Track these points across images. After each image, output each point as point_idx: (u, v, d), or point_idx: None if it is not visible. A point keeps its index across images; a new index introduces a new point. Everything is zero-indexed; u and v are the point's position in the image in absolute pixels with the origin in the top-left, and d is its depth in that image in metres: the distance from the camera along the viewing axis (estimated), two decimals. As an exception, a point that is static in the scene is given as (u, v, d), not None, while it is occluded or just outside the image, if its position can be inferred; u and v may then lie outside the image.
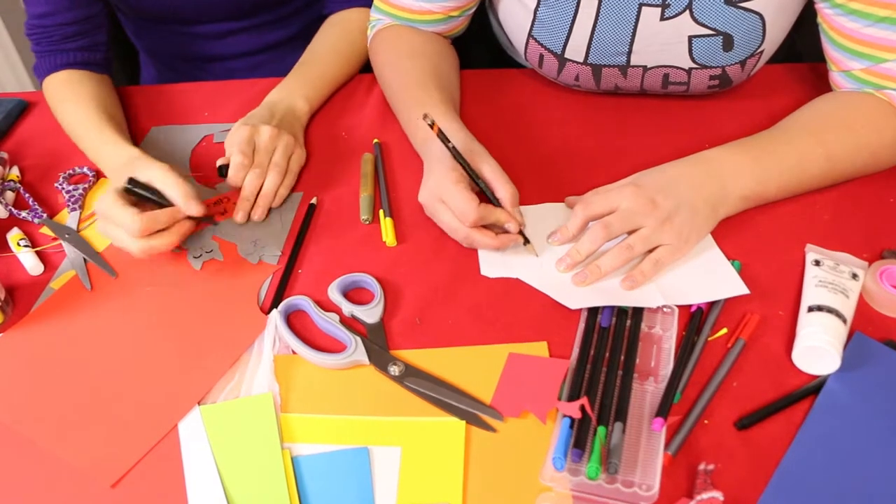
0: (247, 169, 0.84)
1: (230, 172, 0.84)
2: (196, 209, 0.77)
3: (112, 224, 0.76)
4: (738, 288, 0.73)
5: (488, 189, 0.77)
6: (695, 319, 0.70)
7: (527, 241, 0.77)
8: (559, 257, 0.76)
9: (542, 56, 0.93)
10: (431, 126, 0.75)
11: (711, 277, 0.74)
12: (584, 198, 0.79)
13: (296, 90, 0.96)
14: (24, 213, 0.87)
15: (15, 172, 0.93)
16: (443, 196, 0.76)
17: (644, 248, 0.73)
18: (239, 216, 0.83)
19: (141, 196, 0.78)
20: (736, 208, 0.79)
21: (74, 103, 0.93)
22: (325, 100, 1.00)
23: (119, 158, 0.84)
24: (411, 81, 0.90)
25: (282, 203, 0.86)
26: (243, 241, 0.82)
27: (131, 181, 0.78)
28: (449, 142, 0.76)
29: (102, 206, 0.77)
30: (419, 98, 0.87)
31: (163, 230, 0.77)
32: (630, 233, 0.74)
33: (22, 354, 0.73)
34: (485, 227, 0.76)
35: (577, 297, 0.72)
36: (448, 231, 0.77)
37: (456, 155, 0.76)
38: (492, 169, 0.77)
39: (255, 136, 0.86)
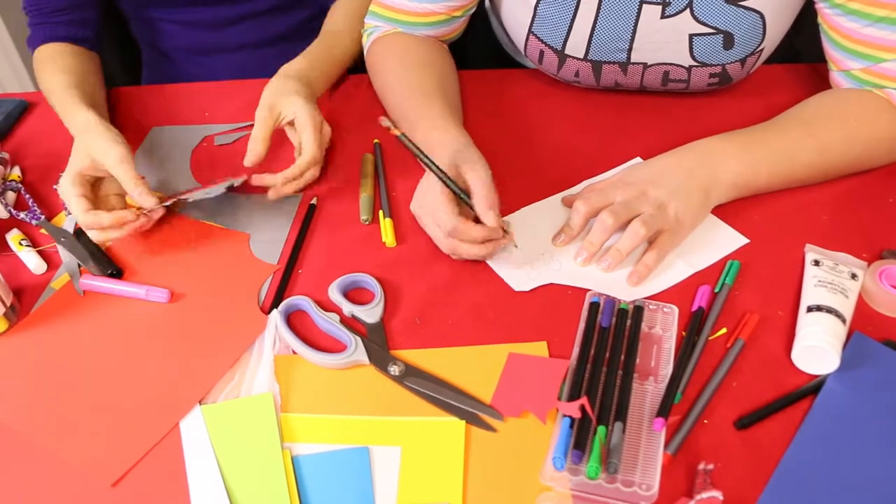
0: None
1: (309, 146, 0.84)
2: (149, 201, 0.79)
3: (69, 204, 0.80)
4: (738, 241, 0.78)
5: (465, 194, 0.75)
6: (695, 319, 0.70)
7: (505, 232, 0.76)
8: (576, 252, 0.77)
9: (542, 52, 0.93)
10: (388, 129, 0.74)
11: (713, 238, 0.79)
12: (581, 194, 0.79)
13: (316, 67, 0.95)
14: (22, 215, 0.87)
15: (16, 173, 0.93)
16: (429, 206, 0.76)
17: (654, 226, 0.74)
18: (290, 188, 0.84)
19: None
20: (727, 195, 0.80)
21: (52, 73, 0.95)
22: (336, 82, 1.01)
23: (78, 123, 0.86)
24: (416, 92, 0.89)
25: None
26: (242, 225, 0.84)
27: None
28: (410, 142, 0.75)
29: (61, 186, 0.80)
30: (427, 111, 0.86)
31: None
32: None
33: (22, 355, 0.73)
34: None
35: (626, 290, 0.74)
36: (435, 241, 0.77)
37: (424, 161, 0.74)
38: (476, 176, 0.75)
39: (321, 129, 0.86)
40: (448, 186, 0.75)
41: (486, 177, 0.75)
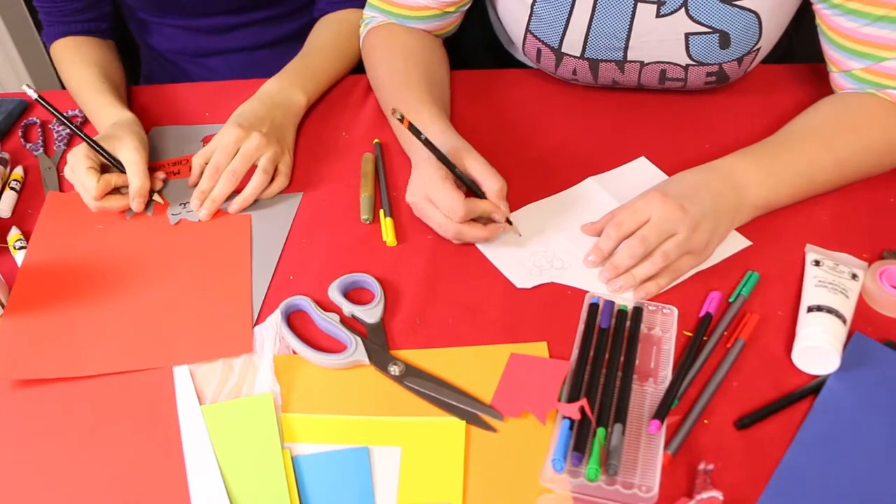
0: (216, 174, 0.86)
1: (198, 174, 0.87)
2: (137, 206, 0.85)
3: (76, 179, 0.84)
4: (740, 243, 0.78)
5: (473, 184, 0.77)
6: (702, 325, 0.70)
7: (509, 223, 0.78)
8: (585, 254, 0.77)
9: (539, 50, 0.93)
10: (401, 120, 0.74)
11: None
12: (612, 214, 0.76)
13: (295, 82, 0.95)
14: (29, 146, 0.97)
15: (19, 172, 0.93)
16: (430, 194, 0.76)
17: (678, 255, 0.73)
18: (203, 213, 0.85)
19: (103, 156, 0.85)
20: (749, 217, 0.79)
21: (78, 66, 0.99)
22: (322, 94, 1.00)
23: (111, 119, 0.91)
24: (401, 82, 0.90)
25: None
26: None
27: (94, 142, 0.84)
28: (421, 134, 0.75)
29: (72, 160, 0.84)
30: (408, 98, 0.87)
31: (116, 192, 0.85)
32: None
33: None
34: (474, 220, 0.77)
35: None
36: (438, 229, 0.78)
37: (430, 147, 0.76)
38: (477, 163, 0.77)
39: (242, 142, 0.85)
40: (455, 174, 0.76)
41: (486, 162, 0.77)
